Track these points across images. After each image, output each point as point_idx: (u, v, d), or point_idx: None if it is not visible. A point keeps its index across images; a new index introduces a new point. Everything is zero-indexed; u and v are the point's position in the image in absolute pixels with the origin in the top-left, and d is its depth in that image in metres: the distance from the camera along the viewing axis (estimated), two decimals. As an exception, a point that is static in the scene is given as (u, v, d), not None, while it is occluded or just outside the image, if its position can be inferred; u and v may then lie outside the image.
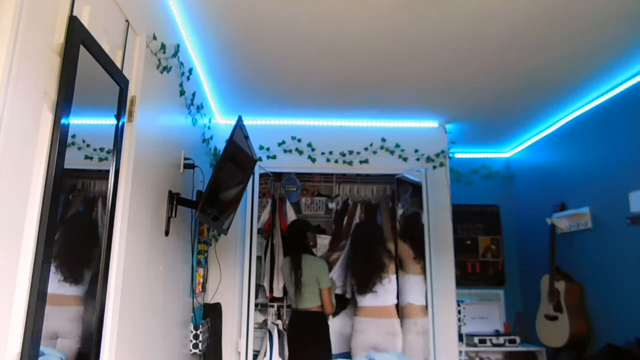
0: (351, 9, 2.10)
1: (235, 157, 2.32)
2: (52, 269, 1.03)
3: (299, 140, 3.53)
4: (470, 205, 4.26)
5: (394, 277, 3.33)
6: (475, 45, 2.41)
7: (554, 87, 2.94)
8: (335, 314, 3.60)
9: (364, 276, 3.25)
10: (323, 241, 3.85)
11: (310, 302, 3.20)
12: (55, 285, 1.07)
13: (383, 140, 3.55)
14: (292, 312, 3.34)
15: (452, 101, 3.18)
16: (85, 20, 1.20)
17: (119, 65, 1.45)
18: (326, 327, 3.24)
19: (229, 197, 2.36)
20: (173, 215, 2.08)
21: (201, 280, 2.81)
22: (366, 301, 3.23)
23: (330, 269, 3.48)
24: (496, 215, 4.35)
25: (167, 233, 2.04)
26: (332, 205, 3.92)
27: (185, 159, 2.36)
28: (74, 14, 1.15)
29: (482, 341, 3.65)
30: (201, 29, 2.29)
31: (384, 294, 3.22)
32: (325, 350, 3.13)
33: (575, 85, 2.90)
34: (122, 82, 1.42)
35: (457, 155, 3.98)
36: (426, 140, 3.57)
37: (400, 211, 3.75)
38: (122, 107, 1.43)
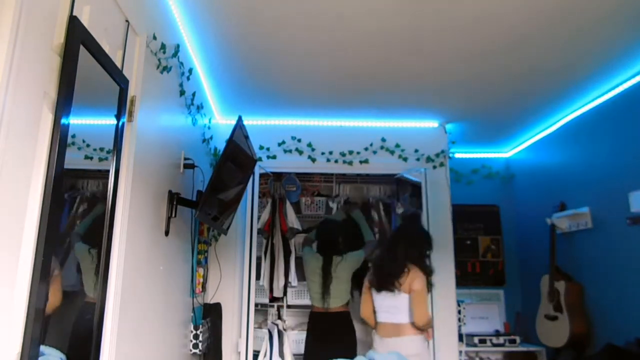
0: (351, 9, 2.10)
1: (235, 157, 2.32)
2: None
3: (299, 140, 3.53)
4: (470, 205, 4.26)
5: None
6: (476, 46, 2.41)
7: (553, 87, 2.94)
8: None
9: (382, 268, 2.80)
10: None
11: (337, 302, 3.22)
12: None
13: (383, 140, 3.55)
14: (313, 312, 3.33)
15: (452, 101, 3.18)
16: (85, 20, 1.20)
17: (119, 65, 1.45)
18: (352, 327, 3.23)
19: (229, 197, 2.36)
20: (173, 215, 2.08)
21: (201, 280, 2.81)
22: (386, 316, 2.74)
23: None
24: (496, 215, 4.34)
25: (167, 233, 2.04)
26: (332, 205, 3.92)
27: (185, 159, 2.36)
28: (74, 14, 1.15)
29: (482, 341, 3.65)
30: (201, 29, 2.29)
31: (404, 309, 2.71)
32: (351, 351, 3.11)
33: (575, 85, 2.90)
34: (122, 82, 1.42)
35: (457, 155, 3.98)
36: (426, 140, 3.57)
37: (400, 210, 3.75)
38: (122, 107, 1.43)
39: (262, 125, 3.56)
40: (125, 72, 1.48)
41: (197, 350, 2.54)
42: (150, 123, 1.80)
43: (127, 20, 1.53)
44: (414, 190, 3.58)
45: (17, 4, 0.93)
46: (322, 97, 3.13)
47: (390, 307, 2.73)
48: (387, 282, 2.71)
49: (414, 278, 2.67)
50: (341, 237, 3.46)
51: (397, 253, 2.77)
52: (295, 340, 3.57)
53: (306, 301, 3.62)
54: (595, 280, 3.17)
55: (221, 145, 3.09)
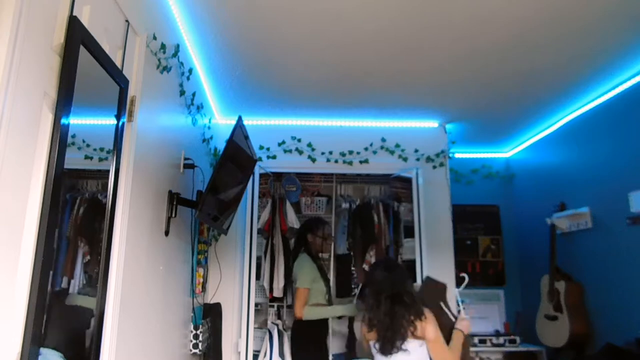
0: (351, 10, 2.10)
1: (235, 157, 2.32)
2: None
3: (299, 140, 3.53)
4: (470, 205, 4.26)
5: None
6: (476, 46, 2.41)
7: (554, 87, 2.94)
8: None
9: (388, 328, 2.29)
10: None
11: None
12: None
13: (383, 140, 3.55)
14: None
15: (452, 101, 3.18)
16: (85, 20, 1.20)
17: (119, 65, 1.45)
18: (302, 333, 3.07)
19: (229, 197, 2.36)
20: (173, 215, 2.08)
21: (201, 280, 2.81)
22: None
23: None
24: (496, 215, 4.34)
25: (167, 233, 2.04)
26: (345, 205, 3.89)
27: (185, 159, 2.36)
28: (74, 14, 1.15)
29: (482, 341, 3.65)
30: (201, 29, 2.29)
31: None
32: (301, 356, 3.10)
33: (575, 85, 2.90)
34: (122, 82, 1.42)
35: (457, 155, 3.98)
36: (426, 140, 3.57)
37: (402, 208, 3.74)
38: (122, 107, 1.43)
39: (262, 125, 3.56)
40: (125, 72, 1.48)
41: (197, 350, 2.54)
42: (150, 123, 1.80)
43: (127, 20, 1.53)
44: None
45: (17, 4, 0.94)
46: (322, 97, 3.13)
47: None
48: (400, 340, 2.23)
49: (427, 322, 2.25)
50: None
51: (403, 296, 2.29)
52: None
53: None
54: (595, 280, 3.17)
55: (221, 145, 3.09)
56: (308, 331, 3.08)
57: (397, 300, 2.29)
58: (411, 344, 2.24)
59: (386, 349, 2.25)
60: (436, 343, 2.25)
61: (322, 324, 3.17)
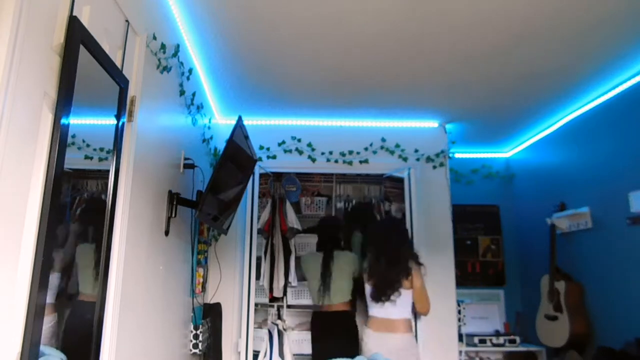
0: (352, 11, 2.10)
1: (235, 157, 2.32)
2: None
3: (299, 140, 3.53)
4: (470, 205, 4.26)
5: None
6: (476, 46, 2.41)
7: (553, 88, 2.94)
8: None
9: (383, 281, 2.82)
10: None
11: (338, 298, 3.21)
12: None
13: (383, 140, 3.55)
14: (315, 311, 3.34)
15: (452, 101, 3.18)
16: (85, 20, 1.20)
17: (119, 65, 1.45)
18: (354, 325, 3.21)
19: (229, 197, 2.36)
20: (173, 215, 2.08)
21: (201, 280, 2.81)
22: (379, 311, 2.84)
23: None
24: (496, 215, 4.34)
25: (167, 233, 2.04)
26: (340, 205, 3.90)
27: (185, 159, 2.36)
28: (74, 14, 1.15)
29: (482, 341, 3.65)
30: (201, 29, 2.29)
31: (399, 304, 2.80)
32: (353, 349, 3.12)
33: (575, 85, 2.90)
34: (122, 82, 1.42)
35: (457, 155, 3.98)
36: (426, 140, 3.57)
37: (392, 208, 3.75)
38: (122, 107, 1.43)
39: (262, 125, 3.56)
40: (125, 72, 1.48)
41: (197, 350, 2.54)
42: (150, 123, 1.80)
43: (127, 20, 1.53)
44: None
45: (17, 4, 0.94)
46: (322, 97, 3.13)
47: (387, 306, 2.80)
48: (390, 291, 2.78)
49: (415, 274, 2.78)
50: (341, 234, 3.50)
51: (399, 257, 2.84)
52: (296, 340, 3.57)
53: (306, 301, 3.62)
54: (595, 280, 3.17)
55: (221, 145, 3.09)
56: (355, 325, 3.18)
57: (393, 262, 2.81)
58: (400, 293, 2.75)
59: (378, 297, 2.81)
60: (421, 290, 2.82)
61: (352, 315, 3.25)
